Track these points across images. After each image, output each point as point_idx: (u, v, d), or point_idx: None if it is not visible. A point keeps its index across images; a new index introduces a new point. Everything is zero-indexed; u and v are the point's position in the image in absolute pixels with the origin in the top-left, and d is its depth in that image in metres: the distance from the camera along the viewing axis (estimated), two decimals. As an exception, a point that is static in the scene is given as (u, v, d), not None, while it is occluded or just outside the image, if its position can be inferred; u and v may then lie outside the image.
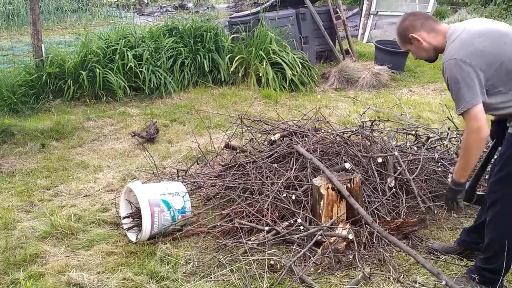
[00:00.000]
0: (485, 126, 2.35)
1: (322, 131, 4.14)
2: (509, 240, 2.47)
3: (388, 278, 2.74)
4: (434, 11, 11.00)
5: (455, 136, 4.25)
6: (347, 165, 3.45)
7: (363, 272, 2.75)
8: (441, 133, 4.34)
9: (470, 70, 2.33)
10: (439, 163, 3.80)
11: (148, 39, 6.88)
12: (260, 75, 6.85)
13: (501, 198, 2.49)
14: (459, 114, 2.41)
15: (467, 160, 2.45)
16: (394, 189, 3.47)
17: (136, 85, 6.46)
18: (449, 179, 2.86)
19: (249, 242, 3.03)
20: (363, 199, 3.30)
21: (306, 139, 3.96)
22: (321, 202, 3.14)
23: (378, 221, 3.17)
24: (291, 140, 4.04)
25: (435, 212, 3.45)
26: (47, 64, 6.21)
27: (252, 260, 2.86)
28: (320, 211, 3.16)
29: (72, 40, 8.41)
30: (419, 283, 2.69)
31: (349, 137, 4.06)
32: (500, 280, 2.59)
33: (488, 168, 2.81)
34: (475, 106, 2.33)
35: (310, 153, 3.60)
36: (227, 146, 4.36)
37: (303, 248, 2.96)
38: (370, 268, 2.83)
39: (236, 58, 6.96)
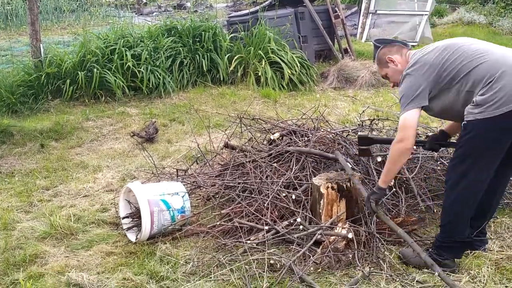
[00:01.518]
0: (410, 137, 2.67)
1: (322, 130, 4.14)
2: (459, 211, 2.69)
3: (388, 277, 2.74)
4: (433, 10, 10.99)
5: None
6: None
7: (362, 271, 2.76)
8: (440, 131, 4.33)
9: (413, 81, 2.67)
10: (438, 162, 3.81)
11: (146, 39, 6.86)
12: (259, 74, 6.84)
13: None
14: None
15: (390, 168, 2.75)
16: (393, 188, 3.47)
17: (135, 85, 6.45)
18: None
19: (249, 242, 3.04)
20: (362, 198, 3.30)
21: (306, 138, 3.95)
22: (321, 201, 3.14)
23: (377, 220, 3.17)
24: (290, 139, 4.03)
25: (435, 210, 3.45)
26: (45, 64, 6.20)
27: (252, 259, 2.86)
28: (320, 210, 3.16)
29: (71, 40, 8.40)
30: (417, 281, 2.69)
31: (347, 136, 4.06)
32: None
33: None
34: (407, 111, 2.68)
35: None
36: (226, 145, 4.36)
37: (303, 248, 2.96)
38: (370, 267, 2.83)
39: (235, 58, 6.95)
